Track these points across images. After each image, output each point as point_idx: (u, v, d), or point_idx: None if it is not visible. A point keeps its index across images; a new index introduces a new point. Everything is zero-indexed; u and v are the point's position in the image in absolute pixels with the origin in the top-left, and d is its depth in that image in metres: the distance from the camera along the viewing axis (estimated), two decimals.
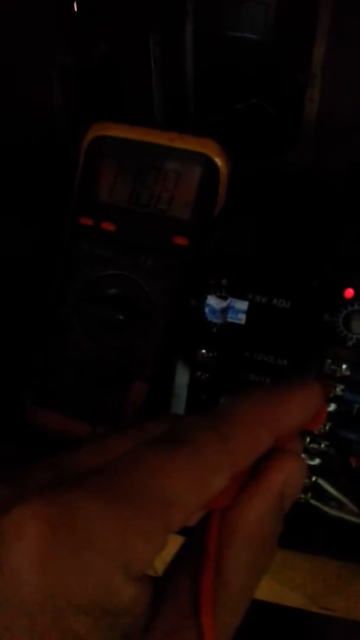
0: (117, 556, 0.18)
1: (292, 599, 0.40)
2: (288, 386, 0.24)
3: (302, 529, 0.37)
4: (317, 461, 0.37)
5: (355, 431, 0.37)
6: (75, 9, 0.55)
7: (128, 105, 0.59)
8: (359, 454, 0.37)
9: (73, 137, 0.48)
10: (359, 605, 0.39)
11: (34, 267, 0.49)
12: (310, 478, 0.37)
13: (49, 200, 0.50)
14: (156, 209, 0.45)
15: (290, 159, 0.58)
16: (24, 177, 0.52)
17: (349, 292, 0.36)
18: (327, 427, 0.37)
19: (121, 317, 0.44)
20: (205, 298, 0.38)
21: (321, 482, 0.37)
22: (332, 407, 0.37)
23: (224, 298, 0.38)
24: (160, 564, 0.21)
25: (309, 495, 0.38)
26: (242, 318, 0.38)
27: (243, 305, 0.38)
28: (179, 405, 0.40)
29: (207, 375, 0.39)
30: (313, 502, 0.38)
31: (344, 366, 0.36)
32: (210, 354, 0.39)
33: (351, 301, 0.36)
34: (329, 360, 0.37)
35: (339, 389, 0.36)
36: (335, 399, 0.37)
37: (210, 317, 0.38)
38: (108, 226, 0.45)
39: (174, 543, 0.21)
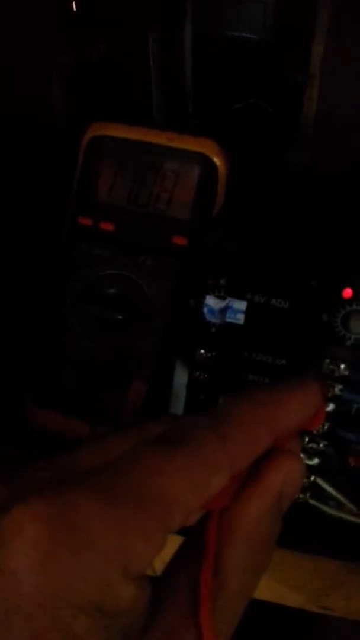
0: (116, 556, 0.18)
1: (292, 599, 0.40)
2: (287, 386, 0.24)
3: (301, 529, 0.37)
4: (315, 461, 0.37)
5: (353, 431, 0.37)
6: (74, 9, 0.55)
7: (127, 104, 0.59)
8: (358, 453, 0.37)
9: (72, 136, 0.48)
10: (358, 604, 0.39)
11: (34, 267, 0.49)
12: (309, 478, 0.37)
13: (48, 200, 0.50)
14: (155, 209, 0.45)
15: (289, 158, 0.58)
16: (23, 177, 0.52)
17: (347, 292, 0.36)
18: (326, 427, 0.37)
19: (120, 317, 0.44)
20: (204, 298, 0.38)
21: (320, 481, 0.37)
22: (330, 406, 0.37)
23: (223, 298, 0.38)
24: (159, 564, 0.21)
25: (308, 494, 0.38)
26: (240, 318, 0.38)
27: (242, 305, 0.38)
28: (178, 405, 0.40)
29: (206, 375, 0.39)
30: (312, 501, 0.38)
31: (342, 366, 0.36)
32: (209, 354, 0.39)
33: (349, 301, 0.36)
34: (328, 360, 0.37)
35: (337, 388, 0.36)
36: (334, 398, 0.37)
37: (209, 317, 0.38)
38: (107, 226, 0.45)
39: (173, 543, 0.21)
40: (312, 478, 0.38)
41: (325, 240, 0.39)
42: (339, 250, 0.38)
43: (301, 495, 0.38)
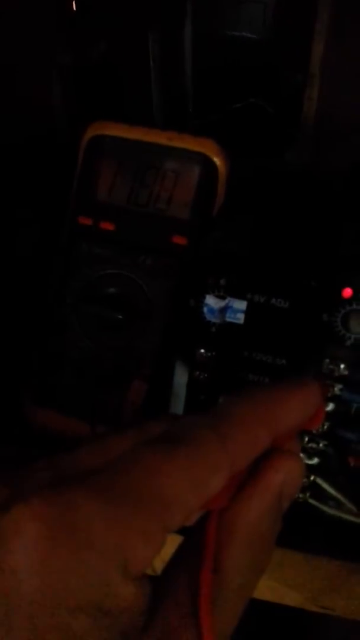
0: (116, 556, 0.18)
1: (291, 598, 0.40)
2: (287, 386, 0.24)
3: (300, 528, 0.37)
4: (315, 460, 0.37)
5: (353, 430, 0.37)
6: (74, 8, 0.55)
7: (127, 104, 0.59)
8: (357, 453, 0.37)
9: (72, 136, 0.48)
10: (358, 604, 0.39)
11: (34, 267, 0.49)
12: (308, 477, 0.38)
13: (48, 199, 0.50)
14: (155, 209, 0.45)
15: (289, 158, 0.58)
16: (23, 176, 0.52)
17: (347, 292, 0.36)
18: (326, 427, 0.37)
19: (120, 317, 0.44)
20: (204, 298, 0.38)
21: (319, 481, 0.37)
22: (330, 406, 0.37)
23: (223, 298, 0.38)
24: (158, 563, 0.21)
25: (308, 494, 0.38)
26: (240, 318, 0.38)
27: (242, 305, 0.38)
28: (178, 405, 0.40)
29: (206, 375, 0.39)
30: (311, 501, 0.38)
31: (342, 366, 0.36)
32: (209, 354, 0.39)
33: (349, 301, 0.36)
34: (327, 360, 0.37)
35: (337, 388, 0.36)
36: (334, 398, 0.37)
37: (209, 317, 0.38)
38: (107, 226, 0.45)
39: (173, 542, 0.21)
40: (312, 478, 0.38)
41: (325, 240, 0.39)
42: (339, 250, 0.38)
43: (301, 495, 0.38)
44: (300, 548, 0.39)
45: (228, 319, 0.38)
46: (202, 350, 0.39)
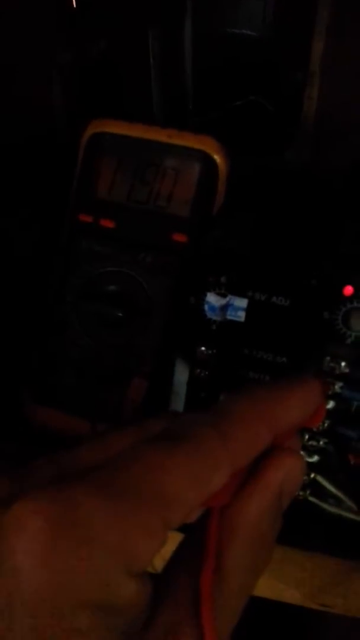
0: (117, 553, 0.18)
1: (291, 596, 0.40)
2: (287, 384, 0.24)
3: (300, 526, 0.37)
4: (315, 458, 0.37)
5: (353, 428, 0.37)
6: (74, 5, 0.55)
7: (127, 102, 0.59)
8: (358, 451, 0.37)
9: (72, 134, 0.48)
10: (357, 602, 0.39)
11: (34, 266, 0.49)
12: (308, 475, 0.38)
13: (48, 198, 0.50)
14: (155, 206, 0.45)
15: (289, 156, 0.58)
16: (23, 176, 0.52)
17: (348, 290, 0.36)
18: (326, 425, 0.37)
19: (120, 314, 0.44)
20: (205, 295, 0.38)
21: (320, 479, 0.38)
22: (330, 404, 0.37)
23: (224, 295, 0.38)
24: (159, 561, 0.21)
25: (308, 492, 0.38)
26: (241, 315, 0.38)
27: (242, 302, 0.38)
28: (178, 403, 0.40)
29: (207, 373, 0.39)
30: (311, 499, 0.38)
31: (342, 363, 0.36)
32: (210, 352, 0.39)
33: (350, 299, 0.36)
34: (328, 358, 0.37)
35: (337, 386, 0.36)
36: (334, 396, 0.37)
37: (210, 315, 0.38)
38: (107, 223, 0.45)
39: (173, 540, 0.21)
40: (312, 475, 0.38)
41: (326, 238, 0.39)
42: (340, 248, 0.38)
43: (301, 493, 0.38)
44: (300, 546, 0.39)
45: (229, 317, 0.38)
46: (203, 348, 0.39)
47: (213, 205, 0.44)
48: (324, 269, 0.37)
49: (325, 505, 0.38)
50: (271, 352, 0.38)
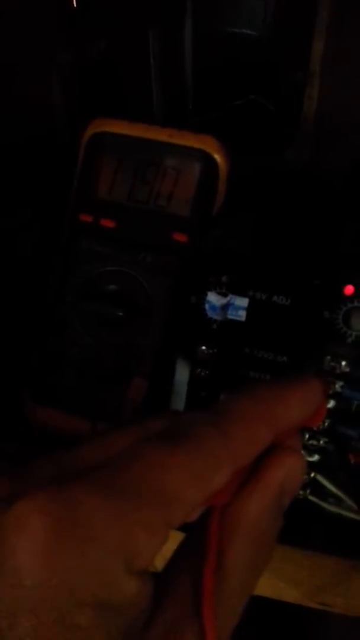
0: (119, 550, 0.18)
1: (291, 595, 0.40)
2: (288, 383, 0.24)
3: (300, 525, 0.37)
4: (315, 457, 0.37)
5: (354, 428, 0.37)
6: (74, 5, 0.55)
7: (127, 102, 0.59)
8: (358, 450, 0.37)
9: (72, 134, 0.48)
10: (357, 601, 0.39)
11: (34, 266, 0.49)
12: (309, 474, 0.38)
13: (48, 198, 0.50)
14: (155, 206, 0.45)
15: (289, 156, 0.58)
16: (24, 176, 0.52)
17: (349, 289, 0.36)
18: (326, 424, 0.37)
19: (120, 314, 0.44)
20: (206, 295, 0.38)
21: (320, 478, 0.38)
22: (331, 403, 0.37)
23: (225, 295, 0.38)
24: (159, 560, 0.21)
25: (308, 491, 0.38)
26: (242, 315, 0.38)
27: (243, 302, 0.38)
28: (179, 402, 0.40)
29: (207, 372, 0.39)
30: (311, 498, 0.38)
31: (343, 363, 0.36)
32: (211, 351, 0.39)
33: (351, 298, 0.36)
34: (329, 357, 0.37)
35: (338, 385, 0.36)
36: (335, 395, 0.37)
37: (211, 314, 0.38)
38: (107, 223, 0.45)
39: (173, 539, 0.21)
40: (312, 475, 0.38)
41: (327, 237, 0.39)
42: (341, 248, 0.38)
43: (301, 492, 0.38)
44: (300, 545, 0.39)
45: (229, 316, 0.38)
46: (204, 347, 0.39)
47: (213, 205, 0.44)
48: (325, 268, 0.37)
49: (325, 505, 0.38)
50: (272, 351, 0.38)
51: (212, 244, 0.40)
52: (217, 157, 0.44)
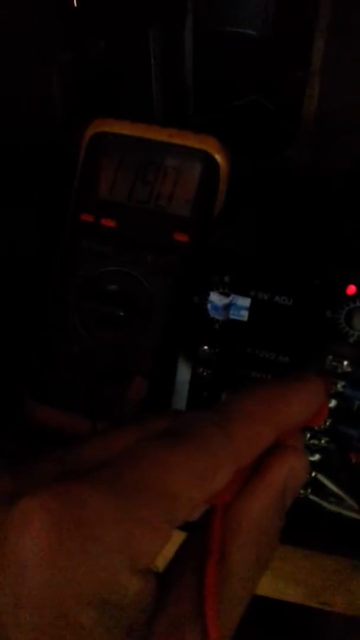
0: (122, 549, 0.18)
1: (291, 594, 0.40)
2: (290, 382, 0.24)
3: (301, 525, 0.37)
4: (317, 457, 0.37)
5: (355, 427, 0.37)
6: (75, 4, 0.55)
7: (127, 102, 0.59)
8: (359, 450, 0.37)
9: (72, 134, 0.48)
10: (357, 600, 0.39)
11: (34, 265, 0.49)
12: (310, 474, 0.38)
13: (49, 198, 0.50)
14: (156, 205, 0.45)
15: (289, 156, 0.58)
16: (24, 176, 0.52)
17: (351, 289, 0.36)
18: (328, 423, 0.37)
19: (121, 314, 0.44)
20: (208, 294, 0.38)
21: (321, 477, 0.38)
22: (332, 403, 0.37)
23: (227, 295, 0.38)
24: (160, 560, 0.21)
25: (309, 490, 0.38)
26: (244, 315, 0.38)
27: (245, 302, 0.38)
28: (181, 402, 0.40)
29: (209, 372, 0.39)
30: (312, 497, 0.38)
31: (345, 362, 0.36)
32: (212, 351, 0.39)
33: (353, 298, 0.36)
34: (331, 357, 0.37)
35: (340, 385, 0.36)
36: (336, 395, 0.37)
37: (213, 314, 0.38)
38: (108, 222, 0.45)
39: (174, 539, 0.21)
40: (313, 474, 0.38)
41: (328, 237, 0.39)
42: (343, 248, 0.39)
43: (302, 491, 0.38)
44: (301, 544, 0.39)
45: (232, 316, 0.38)
46: (206, 347, 0.39)
47: (214, 205, 0.44)
48: (327, 268, 0.37)
49: (326, 504, 0.38)
50: (274, 351, 0.38)
51: (214, 243, 0.40)
52: (218, 157, 0.44)
